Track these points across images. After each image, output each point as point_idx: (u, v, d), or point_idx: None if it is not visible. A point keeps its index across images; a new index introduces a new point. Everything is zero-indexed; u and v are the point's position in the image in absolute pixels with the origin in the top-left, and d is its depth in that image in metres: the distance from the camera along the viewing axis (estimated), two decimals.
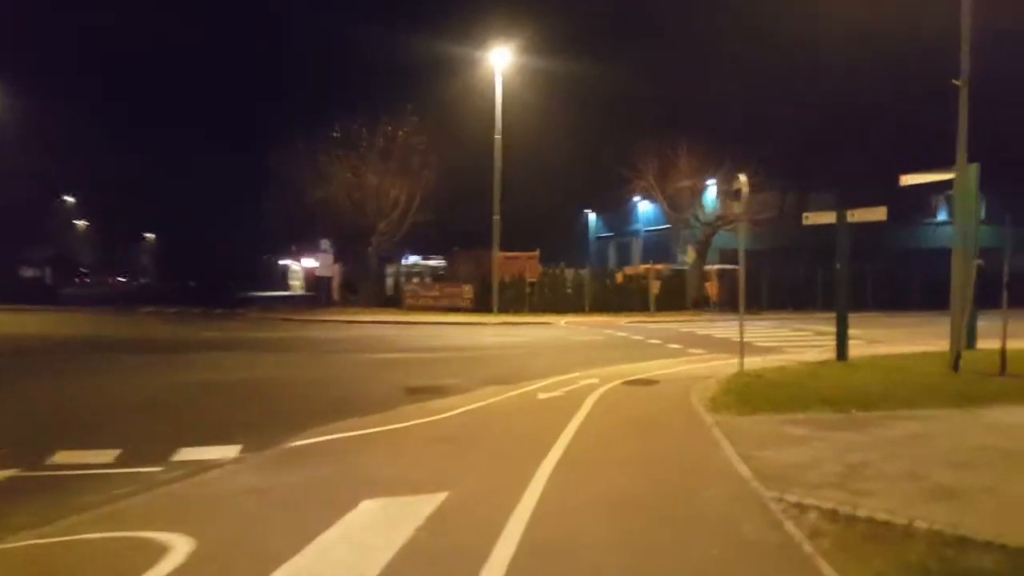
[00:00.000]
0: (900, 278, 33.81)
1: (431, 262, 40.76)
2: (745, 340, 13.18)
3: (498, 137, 29.41)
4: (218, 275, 71.56)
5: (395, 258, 37.02)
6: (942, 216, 42.31)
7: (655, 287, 30.89)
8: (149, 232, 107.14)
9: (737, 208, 17.06)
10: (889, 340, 19.01)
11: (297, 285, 60.81)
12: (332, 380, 12.62)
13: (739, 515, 4.90)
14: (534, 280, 29.95)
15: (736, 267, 35.60)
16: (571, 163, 42.68)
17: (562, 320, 26.73)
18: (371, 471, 6.18)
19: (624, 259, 42.33)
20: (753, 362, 13.40)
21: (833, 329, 14.25)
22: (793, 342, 19.09)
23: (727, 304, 32.01)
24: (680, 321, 27.10)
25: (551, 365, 14.12)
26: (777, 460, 6.26)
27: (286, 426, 7.98)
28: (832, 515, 4.80)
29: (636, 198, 43.97)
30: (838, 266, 13.51)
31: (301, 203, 29.97)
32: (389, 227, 31.69)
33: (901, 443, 6.88)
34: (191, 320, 27.32)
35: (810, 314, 30.07)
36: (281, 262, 70.67)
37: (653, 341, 19.32)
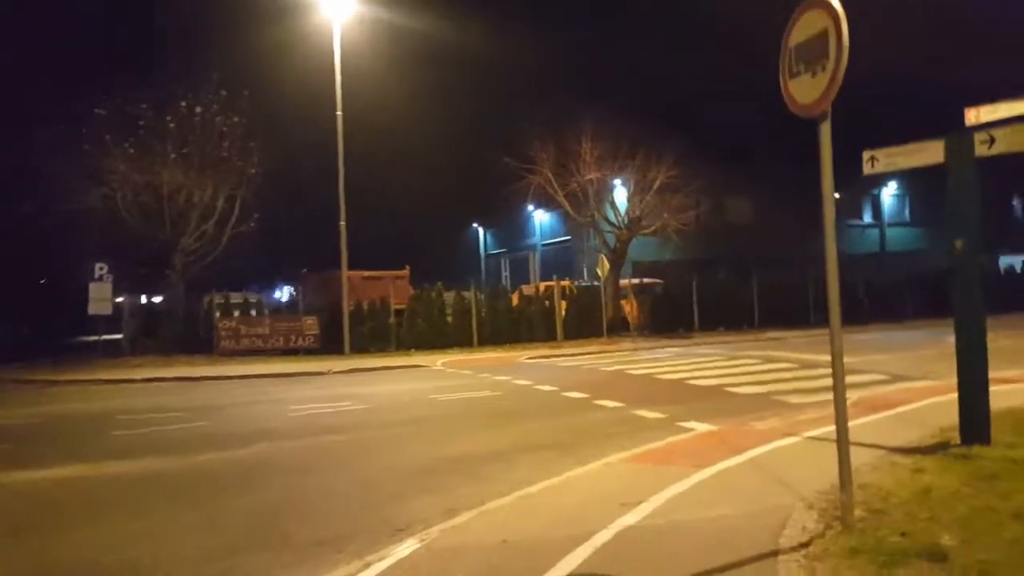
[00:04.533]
0: (850, 287, 28.46)
1: (282, 291, 32.13)
2: (708, 381, 9.04)
3: (339, 114, 21.67)
4: (48, 314, 57.84)
5: (222, 286, 28.08)
6: (868, 218, 38.29)
7: (561, 309, 23.92)
8: None
9: None
10: (914, 370, 12.59)
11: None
12: None
13: None
14: (402, 307, 22.20)
15: (657, 281, 29.54)
16: (450, 159, 35.29)
17: (440, 359, 19.13)
18: None
19: (520, 277, 35.43)
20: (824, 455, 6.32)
21: (817, 358, 11.83)
22: (782, 382, 12.34)
23: (649, 327, 25.46)
24: (599, 354, 20.11)
25: (373, 484, 6.63)
26: None
27: None
28: None
29: (531, 207, 37.33)
30: (958, 245, 6.64)
31: (64, 213, 20.85)
32: (199, 243, 23.03)
33: None
34: None
35: (751, 334, 23.97)
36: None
37: (575, 395, 12.03)
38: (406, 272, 23.73)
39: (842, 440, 4.59)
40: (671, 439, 8.00)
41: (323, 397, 12.89)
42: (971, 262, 6.68)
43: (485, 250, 45.28)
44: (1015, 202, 41.14)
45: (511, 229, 39.48)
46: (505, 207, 34.91)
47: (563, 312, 24.05)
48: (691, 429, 8.73)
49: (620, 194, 27.36)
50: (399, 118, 36.71)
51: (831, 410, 9.53)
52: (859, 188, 37.86)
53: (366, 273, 23.12)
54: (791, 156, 36.01)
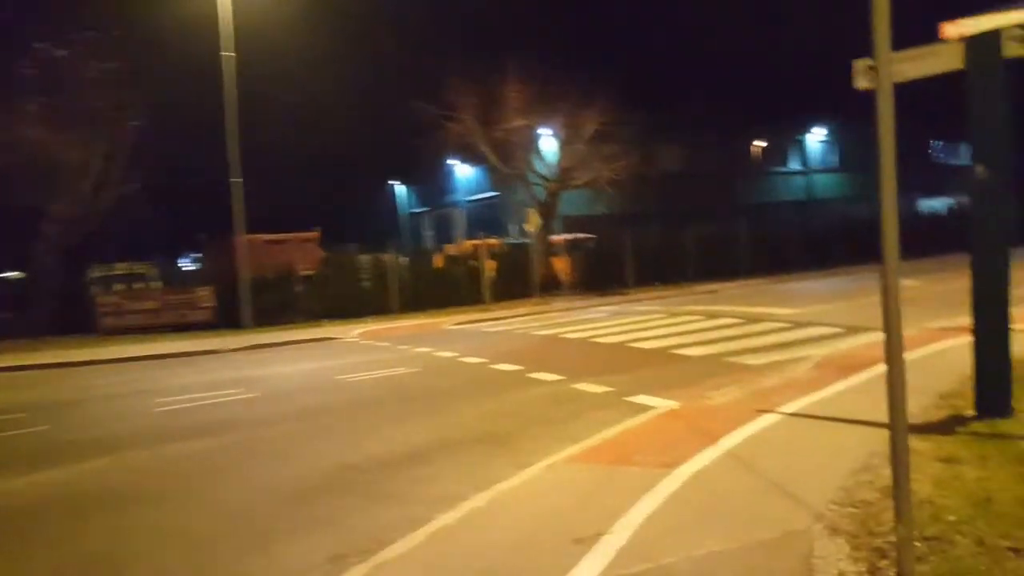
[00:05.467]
0: (779, 236, 27.84)
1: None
2: (652, 343, 9.50)
3: (228, 55, 18.98)
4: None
5: (114, 257, 25.07)
6: (794, 165, 37.93)
7: (489, 269, 22.26)
8: None
9: None
10: (867, 320, 11.58)
11: None
12: None
13: None
14: (311, 272, 20.02)
15: (589, 236, 28.20)
16: (365, 110, 32.59)
17: (355, 330, 17.22)
18: None
19: (444, 237, 33.39)
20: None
21: (760, 310, 11.87)
22: (731, 340, 11.10)
23: (582, 284, 24.15)
24: (531, 316, 18.63)
25: (242, 515, 4.83)
26: None
27: None
28: None
29: (454, 161, 35.22)
30: (979, 171, 5.27)
31: None
32: (72, 208, 20.07)
33: None
34: None
35: (687, 288, 23.00)
36: None
37: (506, 367, 10.45)
38: (315, 234, 21.47)
39: (899, 467, 3.11)
40: (625, 424, 6.53)
41: (205, 384, 10.87)
42: (994, 192, 5.36)
43: (407, 209, 42.85)
44: (933, 145, 41.72)
45: (433, 185, 37.24)
46: (426, 162, 32.69)
47: (491, 272, 22.40)
48: (644, 406, 7.31)
49: (549, 144, 25.70)
50: (305, 64, 33.68)
51: (793, 374, 8.33)
52: (785, 135, 37.44)
53: (269, 236, 20.75)
54: (719, 104, 35.31)
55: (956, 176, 41.16)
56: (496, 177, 28.91)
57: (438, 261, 23.94)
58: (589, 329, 14.44)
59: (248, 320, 18.52)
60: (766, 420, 6.16)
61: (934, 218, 31.95)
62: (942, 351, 8.77)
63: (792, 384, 7.69)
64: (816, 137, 37.71)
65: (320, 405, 8.88)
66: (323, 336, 16.38)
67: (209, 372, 12.36)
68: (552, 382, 9.13)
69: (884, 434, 5.46)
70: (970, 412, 5.60)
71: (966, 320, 11.42)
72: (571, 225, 27.88)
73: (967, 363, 7.91)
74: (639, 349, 11.41)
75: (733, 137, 35.35)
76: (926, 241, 30.19)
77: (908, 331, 10.40)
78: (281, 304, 19.33)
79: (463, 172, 35.86)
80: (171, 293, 19.66)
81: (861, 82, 6.10)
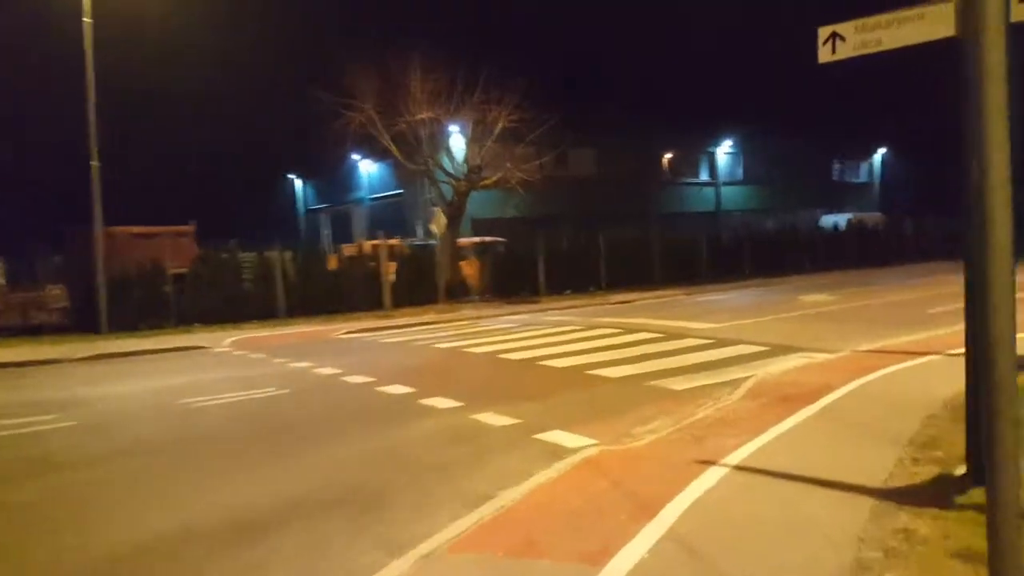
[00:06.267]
0: (690, 246, 27.38)
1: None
2: (566, 360, 8.75)
3: (87, 21, 16.41)
4: None
5: None
6: (704, 176, 38.01)
7: (390, 271, 20.50)
8: None
9: None
10: (794, 338, 10.66)
11: None
12: None
13: None
14: (183, 271, 17.63)
15: (499, 240, 26.78)
16: (259, 98, 29.97)
17: (230, 337, 15.11)
18: None
19: (344, 236, 31.06)
20: None
21: (679, 324, 11.33)
22: (652, 358, 9.90)
23: (491, 290, 22.76)
24: (434, 324, 17.05)
25: None
26: None
27: None
28: None
29: (356, 156, 33.10)
30: (973, 168, 4.10)
31: None
32: None
33: None
34: None
35: (600, 297, 22.03)
36: None
37: (394, 391, 8.83)
38: (190, 228, 19.02)
39: None
40: (535, 479, 5.09)
41: (16, 406, 8.71)
42: (996, 193, 4.26)
43: (305, 206, 40.06)
44: (835, 165, 43.02)
45: (335, 181, 34.83)
46: (328, 156, 30.52)
47: (392, 275, 20.64)
48: (558, 448, 5.93)
49: (458, 141, 24.18)
50: (193, 48, 30.79)
51: (727, 404, 7.20)
52: (695, 146, 37.45)
53: (136, 229, 18.17)
54: (633, 111, 34.87)
55: (853, 193, 42.68)
56: (402, 174, 27.15)
57: (332, 261, 21.94)
58: (497, 342, 13.01)
59: (104, 324, 16.01)
60: (712, 476, 4.86)
61: (836, 233, 32.54)
62: (888, 378, 7.86)
63: (729, 420, 6.50)
64: (724, 150, 37.96)
65: (146, 442, 6.99)
66: (189, 345, 14.18)
67: (30, 389, 10.11)
68: (448, 411, 7.61)
69: (866, 505, 4.30)
70: (960, 469, 4.49)
71: (894, 340, 10.36)
72: (481, 228, 26.51)
73: (924, 394, 7.01)
74: (552, 368, 10.07)
75: (645, 145, 35.01)
76: (831, 255, 30.82)
77: (840, 352, 9.46)
78: (147, 306, 16.87)
79: (367, 168, 33.76)
80: (17, 291, 16.80)
81: (825, 54, 4.95)
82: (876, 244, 32.37)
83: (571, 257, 24.31)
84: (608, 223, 26.47)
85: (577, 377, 9.34)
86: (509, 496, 4.74)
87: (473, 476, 5.37)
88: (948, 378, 7.27)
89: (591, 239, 24.81)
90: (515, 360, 10.95)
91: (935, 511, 3.94)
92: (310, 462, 6.06)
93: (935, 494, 4.22)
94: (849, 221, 33.59)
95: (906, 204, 37.73)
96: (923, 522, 3.79)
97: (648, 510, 4.26)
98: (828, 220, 34.38)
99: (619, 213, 30.66)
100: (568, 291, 23.47)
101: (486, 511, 4.49)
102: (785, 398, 7.20)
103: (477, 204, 27.37)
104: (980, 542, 3.41)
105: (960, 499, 4.08)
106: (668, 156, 36.64)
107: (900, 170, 44.49)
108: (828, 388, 7.44)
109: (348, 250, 22.40)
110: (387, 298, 19.79)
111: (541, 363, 10.48)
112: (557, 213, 30.44)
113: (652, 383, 8.62)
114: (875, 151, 43.91)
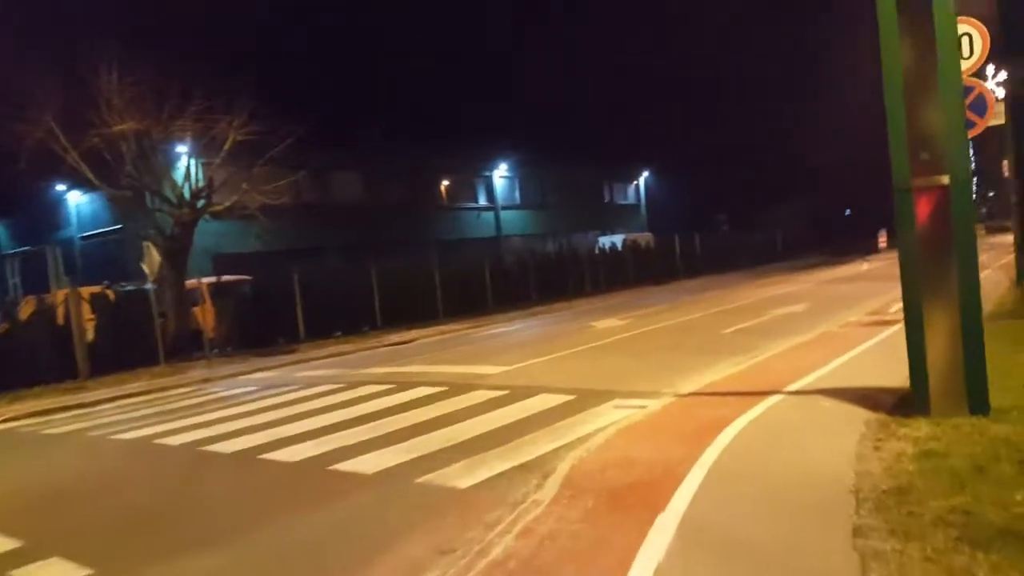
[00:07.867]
0: (473, 274, 25.01)
1: None
2: (309, 449, 6.94)
3: None
4: None
5: None
6: (483, 201, 36.25)
7: (88, 328, 15.47)
8: None
9: None
10: (589, 381, 8.28)
11: None
12: None
13: None
14: None
15: (244, 278, 22.14)
16: None
17: None
18: None
19: (40, 285, 24.35)
20: None
21: (466, 370, 9.64)
22: (430, 430, 6.87)
23: (236, 340, 18.39)
24: (142, 397, 12.66)
25: None
26: None
27: None
28: None
29: (62, 187, 26.61)
30: (943, 180, 2.48)
31: None
32: None
33: None
34: None
35: (374, 339, 18.81)
36: None
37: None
38: None
39: None
40: None
41: None
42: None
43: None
44: (605, 187, 43.85)
45: (35, 218, 27.67)
46: (22, 188, 23.98)
47: (91, 333, 15.62)
48: None
49: (179, 161, 19.64)
50: None
51: (535, 512, 4.52)
52: (472, 171, 35.75)
53: None
54: (403, 126, 32.19)
55: (624, 214, 43.80)
56: (121, 207, 21.70)
57: (26, 314, 16.27)
58: (214, 421, 9.22)
59: None
60: None
61: (615, 253, 32.37)
62: (744, 444, 5.54)
63: (538, 561, 3.68)
64: (500, 173, 36.73)
65: None
66: None
67: None
68: None
69: None
70: None
71: (714, 375, 8.06)
72: (227, 265, 21.87)
73: (816, 473, 4.74)
74: (277, 465, 6.66)
75: (419, 169, 32.51)
76: (610, 275, 30.41)
77: (661, 398, 7.07)
78: None
79: (76, 200, 27.27)
80: None
81: None
82: (650, 263, 32.69)
83: (338, 294, 20.72)
84: (382, 253, 23.29)
85: (312, 479, 6.08)
86: None
87: None
88: (826, 434, 5.18)
89: (362, 271, 21.43)
90: (226, 454, 7.34)
91: None
92: None
93: None
94: (624, 241, 33.73)
95: (670, 223, 39.12)
96: None
97: None
98: (605, 241, 34.29)
99: (395, 242, 27.59)
100: (337, 334, 19.82)
101: None
102: (616, 496, 4.61)
103: (217, 236, 22.77)
104: None
105: None
106: (445, 183, 34.53)
107: (661, 191, 46.62)
108: (671, 472, 4.96)
109: (29, 305, 16.74)
110: (82, 364, 14.80)
111: (264, 456, 7.00)
112: (321, 244, 26.57)
113: (425, 478, 5.61)
114: (640, 173, 45.53)
